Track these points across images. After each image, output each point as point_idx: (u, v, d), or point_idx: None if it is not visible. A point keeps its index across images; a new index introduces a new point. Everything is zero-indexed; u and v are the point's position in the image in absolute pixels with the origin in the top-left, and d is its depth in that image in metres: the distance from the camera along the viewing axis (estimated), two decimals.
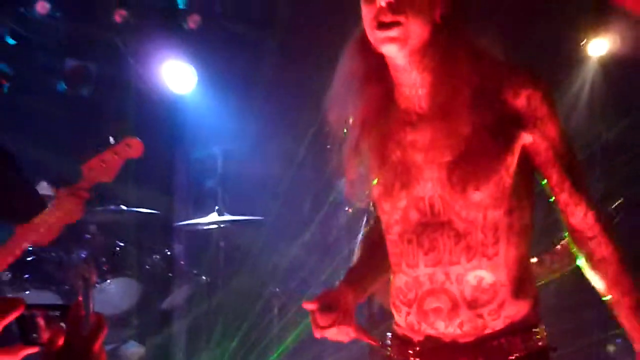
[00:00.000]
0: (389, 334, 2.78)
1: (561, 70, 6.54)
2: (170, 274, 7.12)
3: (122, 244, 6.83)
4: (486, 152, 2.49)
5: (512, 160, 2.50)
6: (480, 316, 2.53)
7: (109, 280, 6.48)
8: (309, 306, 2.55)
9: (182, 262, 7.39)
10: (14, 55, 6.59)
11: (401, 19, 2.43)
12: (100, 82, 7.36)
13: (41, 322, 1.76)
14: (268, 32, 7.00)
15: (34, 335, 1.76)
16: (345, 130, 2.73)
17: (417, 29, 2.46)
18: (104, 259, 6.61)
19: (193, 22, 7.21)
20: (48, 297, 5.79)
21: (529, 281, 2.60)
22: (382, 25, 2.44)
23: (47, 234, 4.05)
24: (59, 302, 5.72)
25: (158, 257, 7.00)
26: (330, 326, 2.55)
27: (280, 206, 6.86)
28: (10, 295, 4.87)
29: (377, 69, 2.61)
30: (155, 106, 7.17)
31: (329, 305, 2.57)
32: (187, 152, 7.80)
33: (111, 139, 4.14)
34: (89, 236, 6.59)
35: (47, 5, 6.73)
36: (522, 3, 5.85)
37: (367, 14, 2.50)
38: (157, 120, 6.93)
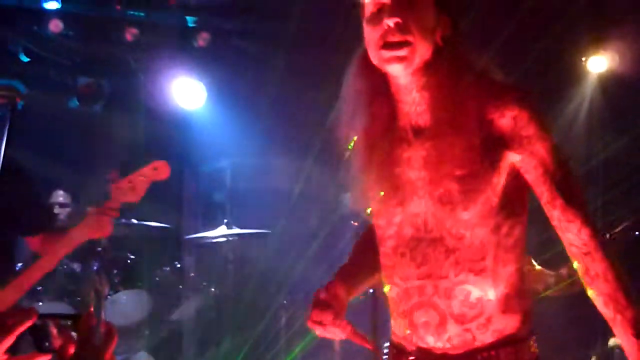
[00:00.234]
0: (387, 343, 2.80)
1: (562, 85, 6.55)
2: (180, 286, 7.12)
3: (133, 257, 6.85)
4: (473, 172, 2.49)
5: (499, 180, 2.50)
6: (469, 330, 2.53)
7: (120, 292, 6.50)
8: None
9: (191, 274, 7.39)
10: (27, 73, 6.62)
11: (409, 38, 2.45)
12: (112, 99, 7.38)
13: (53, 331, 1.77)
14: (275, 49, 7.01)
15: (47, 343, 1.77)
16: (349, 147, 2.74)
17: (422, 49, 2.49)
18: (115, 271, 6.63)
19: (202, 39, 7.23)
20: (61, 309, 5.80)
21: (520, 296, 2.58)
22: (390, 45, 2.46)
23: (73, 248, 4.09)
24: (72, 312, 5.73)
25: (168, 269, 7.01)
26: (324, 323, 2.56)
27: (288, 219, 6.86)
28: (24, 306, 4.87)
29: (379, 88, 2.62)
30: (166, 122, 7.18)
31: (326, 302, 2.58)
32: (196, 167, 7.81)
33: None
34: (101, 249, 6.58)
35: (60, 24, 6.76)
36: (526, 21, 5.86)
37: (372, 34, 2.51)
38: (167, 135, 6.95)
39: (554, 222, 2.53)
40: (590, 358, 5.83)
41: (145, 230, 6.83)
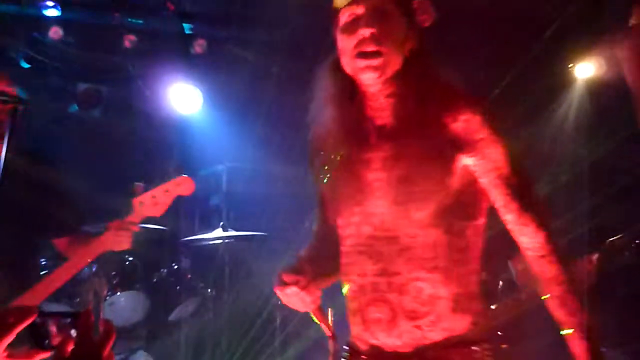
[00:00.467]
0: (345, 346, 2.79)
1: (551, 90, 6.57)
2: (177, 287, 7.12)
3: (131, 259, 6.84)
4: (427, 174, 2.52)
5: (452, 183, 2.52)
6: (419, 327, 2.54)
7: (118, 294, 6.49)
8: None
9: (188, 276, 7.39)
10: (28, 79, 6.62)
11: (382, 49, 2.50)
12: (111, 104, 7.39)
13: (53, 328, 1.78)
14: (270, 56, 7.02)
15: (46, 341, 1.78)
16: (319, 149, 2.80)
17: (393, 60, 2.54)
18: (114, 273, 6.63)
19: (199, 46, 7.24)
20: (60, 309, 5.79)
21: (471, 298, 2.59)
22: (364, 55, 2.51)
23: (94, 257, 4.07)
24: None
25: (165, 271, 7.02)
26: (292, 284, 2.55)
27: (283, 222, 6.86)
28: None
29: (347, 93, 2.66)
30: (163, 126, 7.19)
31: (297, 268, 2.59)
32: (193, 170, 7.80)
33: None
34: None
35: (60, 31, 6.77)
36: (517, 30, 5.89)
37: (347, 44, 2.56)
38: (164, 139, 6.95)
39: (509, 226, 2.56)
40: None
41: (143, 232, 6.79)
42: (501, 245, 2.74)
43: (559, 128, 6.65)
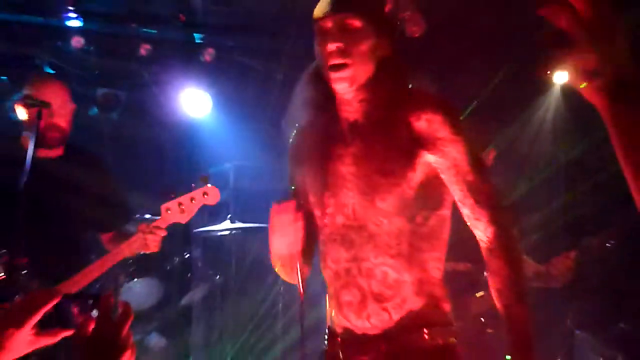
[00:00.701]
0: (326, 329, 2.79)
1: (530, 95, 6.57)
2: (188, 275, 7.12)
3: None
4: (392, 168, 2.54)
5: (413, 176, 2.53)
6: (385, 310, 2.55)
7: (135, 280, 6.50)
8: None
9: (199, 264, 7.39)
10: None
11: (349, 61, 2.51)
12: (128, 107, 7.38)
13: (75, 309, 1.79)
14: (274, 64, 7.01)
15: (70, 320, 1.79)
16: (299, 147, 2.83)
17: (361, 70, 2.55)
18: (130, 262, 6.61)
19: (208, 55, 7.23)
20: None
21: (434, 283, 2.59)
22: (333, 68, 2.52)
23: (125, 256, 4.05)
24: None
25: (178, 259, 7.01)
26: (289, 209, 2.55)
27: None
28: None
29: (325, 95, 2.66)
30: (175, 128, 7.19)
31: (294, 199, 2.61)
32: (203, 168, 7.80)
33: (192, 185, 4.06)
34: None
35: (82, 41, 6.75)
36: (499, 39, 5.88)
37: (320, 56, 2.59)
38: (176, 140, 6.95)
39: (465, 219, 2.55)
40: None
41: None
42: None
43: (538, 130, 6.65)
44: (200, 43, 7.27)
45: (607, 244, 5.40)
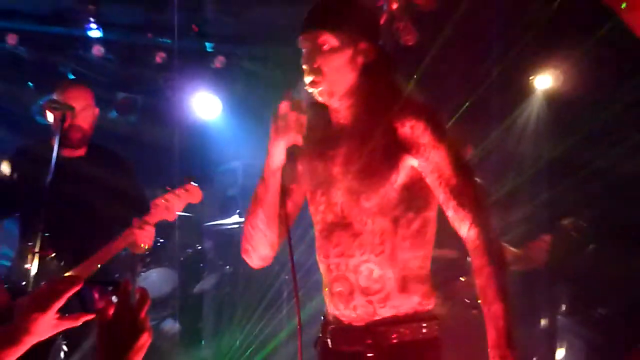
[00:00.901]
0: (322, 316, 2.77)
1: (514, 100, 6.56)
2: (201, 265, 7.13)
3: (162, 240, 6.84)
4: (376, 170, 2.50)
5: (397, 178, 2.49)
6: (371, 303, 2.53)
7: (151, 270, 6.51)
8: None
9: (210, 255, 7.40)
10: None
11: (319, 79, 2.50)
12: (145, 111, 7.40)
13: (96, 294, 1.79)
14: (279, 70, 7.02)
15: (91, 305, 1.79)
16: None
17: (338, 81, 2.52)
18: (147, 253, 6.63)
19: (219, 62, 7.24)
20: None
21: (417, 280, 2.55)
22: (310, 84, 2.52)
23: (123, 247, 4.03)
24: None
25: (191, 250, 7.02)
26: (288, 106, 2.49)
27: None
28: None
29: (319, 104, 2.63)
30: (188, 129, 7.20)
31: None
32: (213, 166, 7.81)
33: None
34: None
35: (102, 49, 6.78)
36: (484, 46, 5.88)
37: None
38: (189, 140, 6.96)
39: (450, 220, 2.51)
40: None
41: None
42: None
43: (522, 131, 6.64)
44: (211, 51, 7.30)
45: (581, 225, 5.43)
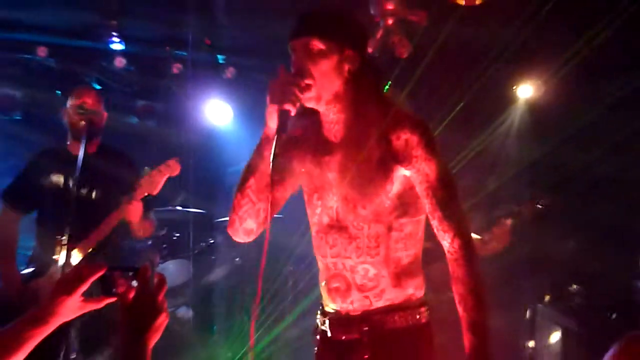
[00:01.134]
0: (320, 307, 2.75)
1: (497, 108, 6.57)
2: (213, 257, 7.12)
3: (178, 235, 6.87)
4: (372, 180, 2.45)
5: (391, 187, 2.46)
6: (367, 297, 2.53)
7: (168, 261, 6.52)
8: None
9: (221, 248, 7.39)
10: None
11: (309, 82, 2.40)
12: (162, 117, 7.40)
13: (118, 279, 1.80)
14: None
15: (113, 289, 1.80)
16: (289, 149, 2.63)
17: (325, 87, 2.43)
18: (164, 246, 6.66)
19: (230, 73, 7.26)
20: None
21: (408, 275, 2.54)
22: (300, 86, 2.40)
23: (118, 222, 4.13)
24: None
25: (204, 244, 7.01)
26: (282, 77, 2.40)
27: (294, 207, 6.86)
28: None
29: (307, 108, 2.53)
30: (202, 134, 7.20)
31: None
32: (225, 168, 7.81)
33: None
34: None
35: (124, 61, 6.79)
36: (468, 56, 5.87)
37: None
38: (202, 144, 6.96)
39: (434, 230, 2.47)
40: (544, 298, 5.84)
41: (186, 215, 6.86)
42: None
43: (505, 136, 6.65)
44: (222, 63, 7.31)
45: (537, 206, 5.47)
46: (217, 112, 7.34)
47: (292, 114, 2.38)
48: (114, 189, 4.24)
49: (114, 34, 6.58)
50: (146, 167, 4.08)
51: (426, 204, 2.45)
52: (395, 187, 2.47)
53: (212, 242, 7.20)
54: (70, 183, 4.16)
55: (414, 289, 2.57)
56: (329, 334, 2.64)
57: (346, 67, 2.45)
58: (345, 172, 2.50)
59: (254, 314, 2.48)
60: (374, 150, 2.44)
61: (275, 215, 6.64)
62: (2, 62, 6.71)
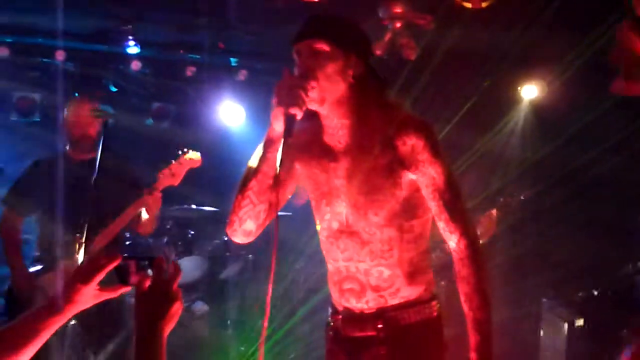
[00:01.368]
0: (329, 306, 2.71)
1: (502, 108, 6.55)
2: (226, 254, 7.12)
3: (192, 232, 6.88)
4: (381, 187, 2.41)
5: (400, 193, 2.42)
6: (382, 296, 2.50)
7: (183, 258, 6.53)
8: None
9: (234, 245, 7.38)
10: (115, 99, 6.66)
11: (313, 84, 2.33)
12: (177, 118, 7.41)
13: (133, 269, 1.78)
14: None
15: (129, 278, 1.79)
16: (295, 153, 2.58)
17: (329, 89, 2.36)
18: (180, 243, 6.68)
19: (242, 75, 7.26)
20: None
21: (420, 272, 2.51)
22: (304, 88, 2.31)
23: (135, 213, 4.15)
24: None
25: (217, 241, 7.02)
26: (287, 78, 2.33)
27: (303, 205, 6.86)
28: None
29: (313, 114, 2.47)
30: (215, 134, 7.20)
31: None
32: (237, 167, 7.79)
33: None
34: (169, 227, 6.64)
35: (139, 64, 6.79)
36: (475, 59, 5.86)
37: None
38: (216, 144, 6.95)
39: (440, 231, 2.44)
40: None
41: (201, 213, 6.88)
42: None
43: (509, 136, 6.63)
44: (235, 66, 7.31)
45: (521, 198, 5.55)
46: (230, 114, 7.35)
47: (299, 117, 2.30)
48: (116, 189, 4.22)
49: (130, 38, 6.59)
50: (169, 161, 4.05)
51: (433, 206, 2.42)
52: (403, 192, 2.43)
53: (226, 240, 7.20)
54: (75, 184, 4.14)
55: (427, 285, 2.55)
56: (341, 331, 2.61)
57: (350, 71, 2.38)
58: (352, 179, 2.45)
59: (263, 333, 2.43)
60: (381, 156, 2.40)
61: (283, 214, 6.62)
62: (21, 66, 6.74)
